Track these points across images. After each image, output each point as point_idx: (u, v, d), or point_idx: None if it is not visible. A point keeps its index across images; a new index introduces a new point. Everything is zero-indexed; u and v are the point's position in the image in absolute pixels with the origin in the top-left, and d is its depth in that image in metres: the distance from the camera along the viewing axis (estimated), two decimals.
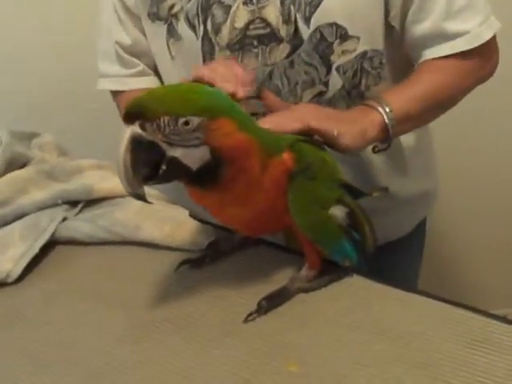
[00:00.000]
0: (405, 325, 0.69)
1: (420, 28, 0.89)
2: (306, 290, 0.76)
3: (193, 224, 0.89)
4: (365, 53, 0.90)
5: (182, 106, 0.62)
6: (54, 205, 0.96)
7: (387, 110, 0.82)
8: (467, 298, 1.93)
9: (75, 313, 0.79)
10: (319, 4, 0.85)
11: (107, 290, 0.82)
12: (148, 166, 0.63)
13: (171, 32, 0.94)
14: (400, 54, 0.95)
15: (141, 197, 0.65)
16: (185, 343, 0.70)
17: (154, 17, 0.95)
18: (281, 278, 0.78)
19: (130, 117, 0.62)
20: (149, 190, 0.93)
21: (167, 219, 0.89)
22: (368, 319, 0.71)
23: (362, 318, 0.71)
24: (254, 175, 0.66)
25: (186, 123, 0.62)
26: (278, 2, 0.86)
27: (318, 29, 0.87)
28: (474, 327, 0.68)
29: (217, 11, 0.88)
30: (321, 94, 0.91)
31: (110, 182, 0.98)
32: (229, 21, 0.88)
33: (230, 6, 0.87)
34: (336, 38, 0.88)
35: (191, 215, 0.90)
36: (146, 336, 0.72)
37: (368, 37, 0.89)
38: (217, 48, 0.90)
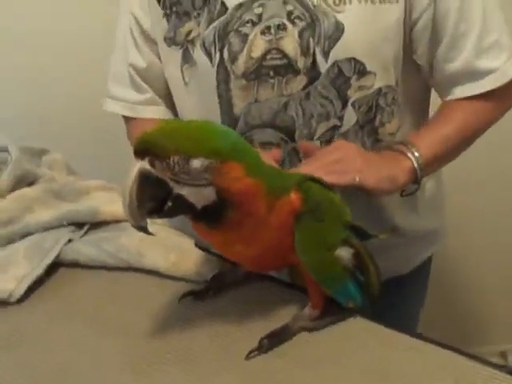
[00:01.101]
0: (410, 373, 0.69)
1: (452, 66, 0.90)
2: (309, 330, 0.76)
3: (198, 254, 0.88)
4: (380, 89, 0.90)
5: (193, 147, 0.62)
6: (60, 225, 0.95)
7: (416, 155, 0.84)
8: (470, 331, 1.95)
9: (76, 337, 0.78)
10: (339, 38, 0.85)
11: (109, 315, 0.82)
12: (153, 201, 0.64)
13: (186, 57, 0.94)
14: (416, 87, 0.96)
15: (143, 229, 0.65)
16: (184, 375, 0.70)
17: (171, 41, 0.95)
18: (284, 315, 0.78)
19: (139, 152, 0.62)
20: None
21: (172, 248, 0.88)
22: (372, 363, 0.70)
23: (365, 361, 0.71)
24: (259, 217, 0.66)
25: (196, 164, 0.62)
26: (297, 34, 0.86)
27: (336, 63, 0.87)
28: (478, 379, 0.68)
29: (234, 39, 0.88)
30: (335, 127, 0.91)
31: (117, 204, 0.96)
32: (245, 50, 0.88)
33: (247, 35, 0.88)
34: (354, 74, 0.88)
35: (197, 244, 0.90)
36: (145, 366, 0.72)
37: (383, 73, 0.89)
38: (232, 76, 0.90)
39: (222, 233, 0.68)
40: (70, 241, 0.94)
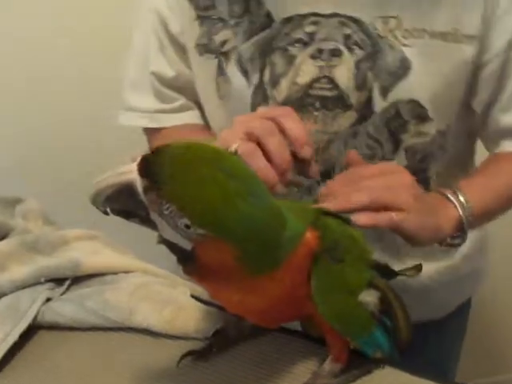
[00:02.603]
0: None
1: (508, 117, 0.81)
2: None
3: (196, 307, 0.77)
4: (435, 136, 0.80)
5: (200, 215, 0.51)
6: (37, 283, 0.84)
7: (465, 204, 0.74)
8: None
9: None
10: (403, 76, 0.74)
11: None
12: (123, 209, 0.55)
13: (222, 69, 0.82)
14: (463, 134, 0.87)
15: (102, 210, 0.55)
16: None
17: (203, 49, 0.83)
18: (301, 373, 0.68)
19: (144, 167, 0.51)
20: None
21: (166, 302, 0.77)
22: None
23: None
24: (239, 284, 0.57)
25: (187, 227, 0.51)
26: (353, 64, 0.74)
27: (395, 104, 0.76)
28: None
29: (278, 60, 0.77)
30: None
31: (101, 255, 0.88)
32: (291, 73, 0.76)
33: (294, 57, 0.76)
34: (413, 118, 0.77)
35: (193, 296, 0.79)
36: None
37: (440, 119, 0.80)
38: (271, 102, 0.78)
39: (215, 280, 0.57)
40: (48, 300, 0.82)
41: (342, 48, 0.74)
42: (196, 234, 0.51)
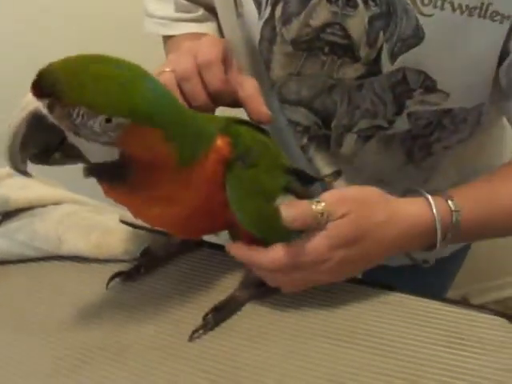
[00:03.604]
0: (380, 328, 0.61)
1: None
2: (259, 297, 0.67)
3: (123, 230, 0.77)
4: (449, 110, 0.76)
5: (112, 103, 0.50)
6: None
7: (453, 208, 0.66)
8: None
9: None
10: (413, 46, 0.70)
11: (29, 311, 0.71)
12: (41, 147, 0.53)
13: None
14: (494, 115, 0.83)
15: (22, 172, 0.55)
16: (120, 372, 0.60)
17: None
18: (229, 285, 0.69)
19: (39, 88, 0.50)
20: None
21: (93, 227, 0.77)
22: (333, 325, 0.62)
23: (326, 323, 0.62)
24: (169, 180, 0.56)
25: (108, 121, 0.50)
26: (366, 19, 0.70)
27: (402, 69, 0.72)
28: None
29: None
30: (380, 127, 0.78)
31: (31, 189, 0.86)
32: (303, 14, 0.72)
33: None
34: (420, 87, 0.73)
35: (122, 221, 0.78)
36: (74, 368, 0.61)
37: (462, 96, 0.75)
38: (278, 39, 0.75)
39: (134, 193, 0.57)
40: None
41: (359, 0, 0.70)
42: (117, 127, 0.51)
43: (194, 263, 0.74)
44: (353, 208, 0.60)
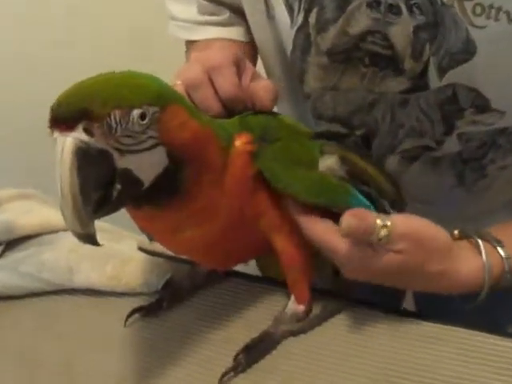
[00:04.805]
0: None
1: None
2: (296, 333, 0.60)
3: (143, 259, 0.71)
4: (505, 128, 0.70)
5: (135, 94, 0.49)
6: None
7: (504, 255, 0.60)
8: None
9: (6, 380, 0.62)
10: (465, 61, 0.63)
11: (43, 352, 0.65)
12: (99, 187, 0.48)
13: None
14: None
15: (91, 238, 0.49)
16: None
17: None
18: (261, 320, 0.62)
19: (65, 120, 0.46)
20: None
21: (109, 256, 0.70)
22: (378, 364, 0.56)
23: (370, 362, 0.56)
24: (216, 173, 0.55)
25: (142, 117, 0.48)
26: (411, 28, 0.63)
27: (451, 86, 0.66)
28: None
29: (328, 2, 0.66)
30: (427, 148, 0.72)
31: (37, 214, 0.80)
32: (341, 21, 0.65)
33: (348, 1, 0.65)
34: (471, 106, 0.67)
35: (141, 248, 0.72)
36: None
37: (509, 115, 0.69)
38: (313, 49, 0.69)
39: (171, 213, 0.54)
40: None
41: (402, 6, 0.64)
42: (152, 120, 0.49)
43: (222, 295, 0.67)
44: (411, 249, 0.55)
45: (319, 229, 0.56)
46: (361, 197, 0.59)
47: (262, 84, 0.62)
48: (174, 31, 0.83)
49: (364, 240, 0.54)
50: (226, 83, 0.60)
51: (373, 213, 0.55)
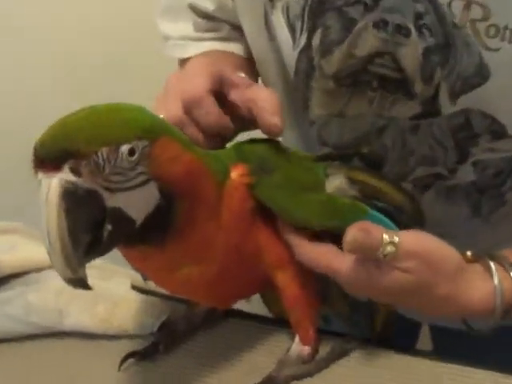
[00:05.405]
0: None
1: None
2: (301, 377, 0.57)
3: (136, 299, 0.67)
4: None
5: (123, 129, 0.47)
6: None
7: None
8: None
9: None
10: (477, 86, 0.61)
11: None
12: (89, 229, 0.46)
13: (267, 14, 0.68)
14: None
15: (83, 282, 0.47)
16: None
17: None
18: (264, 363, 0.59)
19: (50, 161, 0.44)
20: None
21: (100, 296, 0.67)
22: None
23: None
24: (212, 207, 0.52)
25: (131, 152, 0.46)
26: (421, 50, 0.61)
27: (465, 111, 0.64)
28: None
29: (333, 22, 0.63)
30: (439, 177, 0.69)
31: (21, 250, 0.76)
32: (347, 42, 0.62)
33: (354, 21, 0.62)
34: (487, 133, 0.65)
35: (134, 287, 0.69)
36: None
37: None
38: (317, 73, 0.65)
39: (166, 251, 0.51)
40: None
41: (411, 27, 0.61)
42: (142, 155, 0.47)
43: (222, 337, 0.64)
44: (418, 268, 0.52)
45: (319, 251, 0.54)
46: (378, 214, 0.56)
47: (262, 95, 0.57)
48: (169, 51, 0.79)
49: (369, 255, 0.51)
50: (207, 116, 0.57)
51: (380, 227, 0.51)
